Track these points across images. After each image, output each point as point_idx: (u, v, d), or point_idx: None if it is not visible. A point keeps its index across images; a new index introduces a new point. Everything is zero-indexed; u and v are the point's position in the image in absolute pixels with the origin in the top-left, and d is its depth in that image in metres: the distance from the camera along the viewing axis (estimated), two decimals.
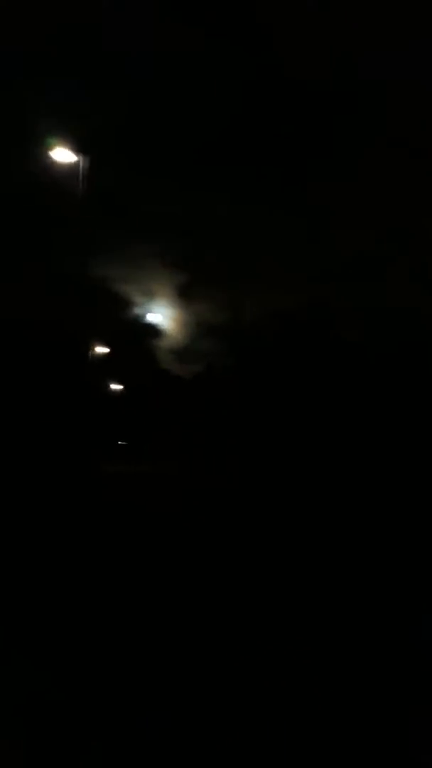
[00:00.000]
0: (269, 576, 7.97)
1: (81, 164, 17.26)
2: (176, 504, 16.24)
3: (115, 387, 54.34)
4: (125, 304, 63.64)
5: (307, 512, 14.39)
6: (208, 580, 7.57)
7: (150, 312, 67.15)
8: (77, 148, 17.18)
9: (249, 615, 5.98)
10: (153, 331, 69.30)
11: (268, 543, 10.22)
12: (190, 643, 5.41)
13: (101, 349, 41.08)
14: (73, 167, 17.28)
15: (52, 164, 17.27)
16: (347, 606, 6.85)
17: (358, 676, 5.46)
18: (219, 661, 5.30)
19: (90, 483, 17.94)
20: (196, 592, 6.75)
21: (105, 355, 43.99)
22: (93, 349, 38.41)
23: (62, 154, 17.06)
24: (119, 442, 62.63)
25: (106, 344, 42.63)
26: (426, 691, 5.25)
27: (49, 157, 17.07)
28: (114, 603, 6.17)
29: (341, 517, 13.00)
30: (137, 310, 67.44)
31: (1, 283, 30.08)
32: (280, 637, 5.95)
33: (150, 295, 66.93)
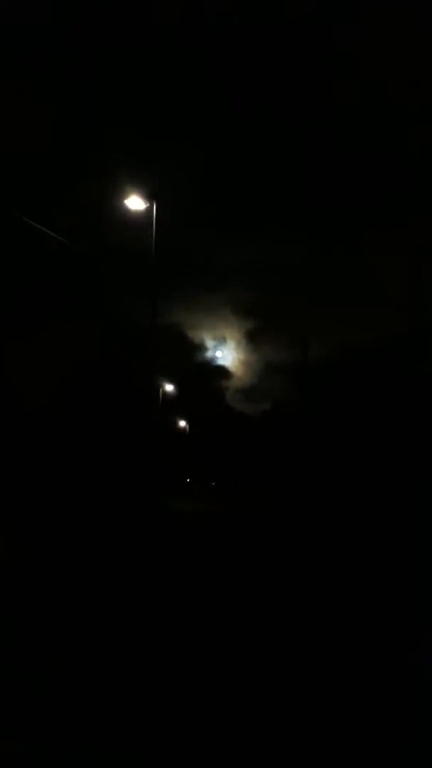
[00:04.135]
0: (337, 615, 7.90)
1: (155, 214, 17.90)
2: (242, 541, 16.21)
3: (186, 425, 55.19)
4: (198, 347, 65.11)
5: (381, 555, 14.12)
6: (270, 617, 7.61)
7: (221, 355, 68.37)
8: (153, 198, 17.81)
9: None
10: (223, 372, 70.38)
11: (337, 583, 10.10)
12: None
13: (175, 389, 42.04)
14: (148, 216, 17.92)
15: (128, 213, 17.91)
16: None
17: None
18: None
19: (157, 519, 18.19)
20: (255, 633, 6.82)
21: (178, 395, 44.95)
22: (167, 390, 39.33)
23: (137, 203, 17.72)
24: (187, 479, 63.28)
25: (180, 384, 43.61)
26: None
27: (126, 206, 17.73)
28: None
29: (420, 563, 12.70)
30: (209, 353, 68.90)
31: (79, 326, 31.47)
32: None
33: (221, 340, 68.25)
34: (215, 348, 68.14)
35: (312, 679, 5.42)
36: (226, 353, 68.32)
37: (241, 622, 7.19)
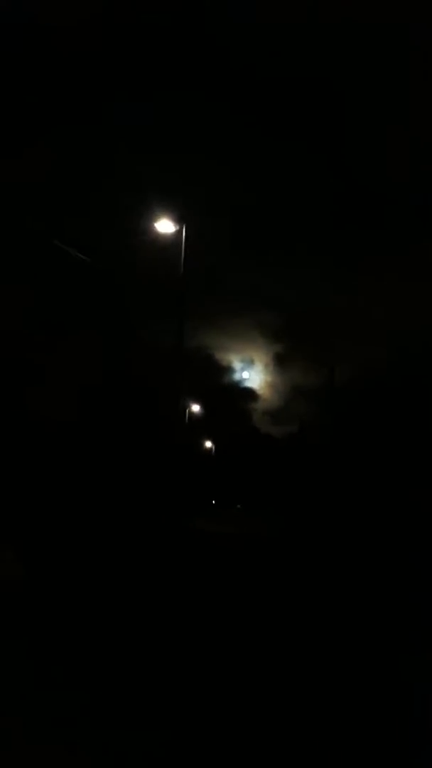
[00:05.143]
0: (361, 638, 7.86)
1: (184, 238, 18.14)
2: (266, 564, 16.09)
3: (213, 446, 55.01)
4: (226, 370, 65.31)
5: (406, 579, 13.95)
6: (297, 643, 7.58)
7: (248, 377, 68.42)
8: (182, 221, 18.08)
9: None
10: (250, 394, 70.38)
11: (362, 607, 10.02)
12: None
13: (203, 411, 42.09)
14: (177, 240, 18.17)
15: (158, 236, 18.19)
16: None
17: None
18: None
19: (181, 542, 18.01)
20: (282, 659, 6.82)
21: (205, 416, 44.95)
22: (194, 411, 39.45)
23: (167, 226, 18.00)
24: (213, 501, 63.05)
25: (207, 406, 43.66)
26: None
27: (155, 229, 18.01)
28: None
29: None
30: (237, 376, 69.07)
31: (107, 346, 31.88)
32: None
33: (248, 362, 68.36)
34: (243, 370, 68.32)
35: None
36: (254, 375, 68.46)
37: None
